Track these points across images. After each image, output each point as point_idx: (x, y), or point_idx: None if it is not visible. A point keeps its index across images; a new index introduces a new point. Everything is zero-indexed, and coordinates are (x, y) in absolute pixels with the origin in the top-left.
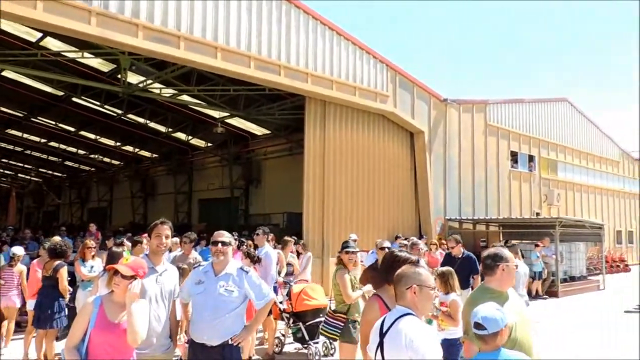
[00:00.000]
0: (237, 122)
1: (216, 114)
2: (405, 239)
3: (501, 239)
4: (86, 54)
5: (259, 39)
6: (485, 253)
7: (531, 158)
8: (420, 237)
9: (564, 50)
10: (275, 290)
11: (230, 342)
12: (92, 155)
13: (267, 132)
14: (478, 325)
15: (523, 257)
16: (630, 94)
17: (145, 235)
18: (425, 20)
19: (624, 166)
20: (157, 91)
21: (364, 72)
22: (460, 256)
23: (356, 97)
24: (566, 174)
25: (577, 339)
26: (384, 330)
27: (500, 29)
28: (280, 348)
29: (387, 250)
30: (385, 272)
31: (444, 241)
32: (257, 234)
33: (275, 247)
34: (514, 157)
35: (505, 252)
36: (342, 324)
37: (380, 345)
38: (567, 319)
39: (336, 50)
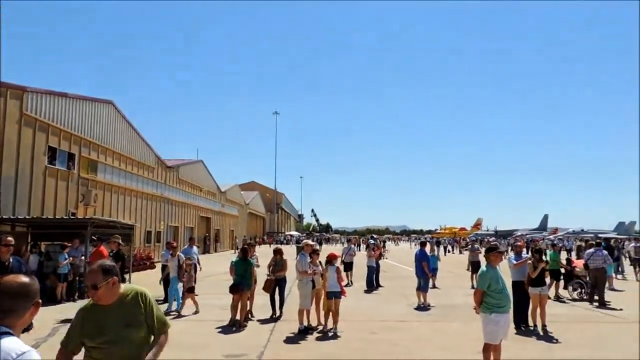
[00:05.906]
0: None
1: None
2: None
3: (29, 240)
4: None
5: None
6: None
7: (71, 156)
8: None
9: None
10: None
11: None
12: None
13: None
14: None
15: (51, 259)
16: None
17: None
18: None
19: (158, 172)
20: None
21: None
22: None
23: None
24: (106, 175)
25: None
26: None
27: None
28: None
29: None
30: None
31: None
32: None
33: None
34: (52, 153)
35: None
36: None
37: None
38: None
39: None
